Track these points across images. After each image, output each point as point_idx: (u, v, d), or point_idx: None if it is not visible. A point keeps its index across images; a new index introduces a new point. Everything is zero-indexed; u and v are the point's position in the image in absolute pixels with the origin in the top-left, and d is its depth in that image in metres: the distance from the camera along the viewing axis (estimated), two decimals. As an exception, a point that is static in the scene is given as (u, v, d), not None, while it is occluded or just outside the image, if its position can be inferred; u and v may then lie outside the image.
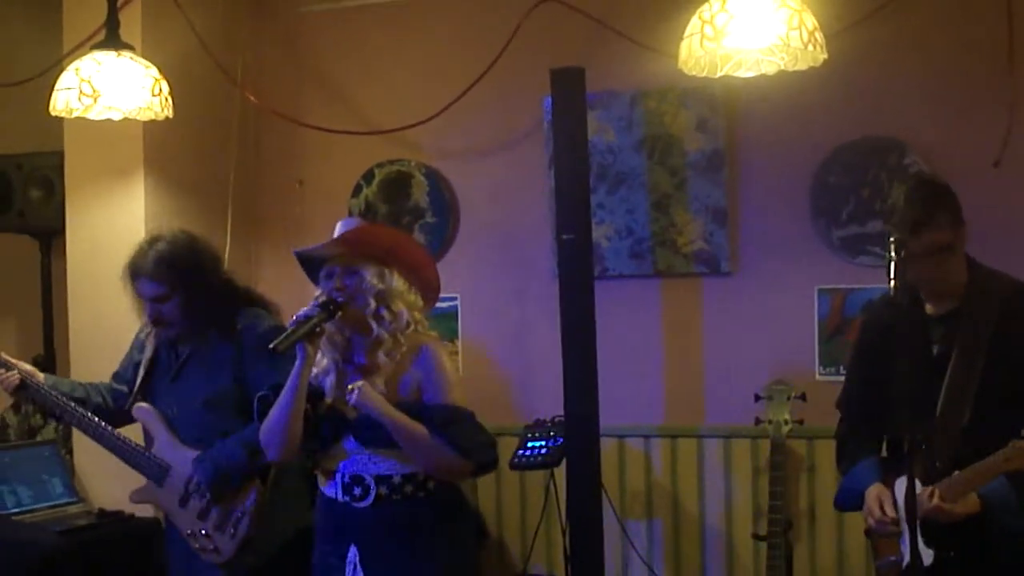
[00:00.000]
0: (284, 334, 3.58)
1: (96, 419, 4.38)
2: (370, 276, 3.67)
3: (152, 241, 4.32)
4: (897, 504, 3.65)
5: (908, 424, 3.25)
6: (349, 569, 3.70)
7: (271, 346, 3.56)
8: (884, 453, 3.93)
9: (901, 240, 3.22)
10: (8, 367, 4.37)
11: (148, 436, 4.40)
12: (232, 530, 4.21)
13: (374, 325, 3.66)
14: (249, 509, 4.21)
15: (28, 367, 4.44)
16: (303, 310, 3.64)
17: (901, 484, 3.67)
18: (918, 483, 3.51)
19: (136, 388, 4.46)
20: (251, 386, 4.12)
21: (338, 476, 3.71)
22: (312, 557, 3.87)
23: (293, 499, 4.29)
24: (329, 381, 3.74)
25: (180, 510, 4.30)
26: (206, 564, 4.28)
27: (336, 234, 3.75)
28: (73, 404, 4.37)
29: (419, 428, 3.60)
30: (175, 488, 4.30)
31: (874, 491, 3.73)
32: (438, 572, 3.72)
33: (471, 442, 3.67)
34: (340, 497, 3.71)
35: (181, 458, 4.29)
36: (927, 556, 3.44)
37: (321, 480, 3.81)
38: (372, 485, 3.66)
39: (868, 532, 3.90)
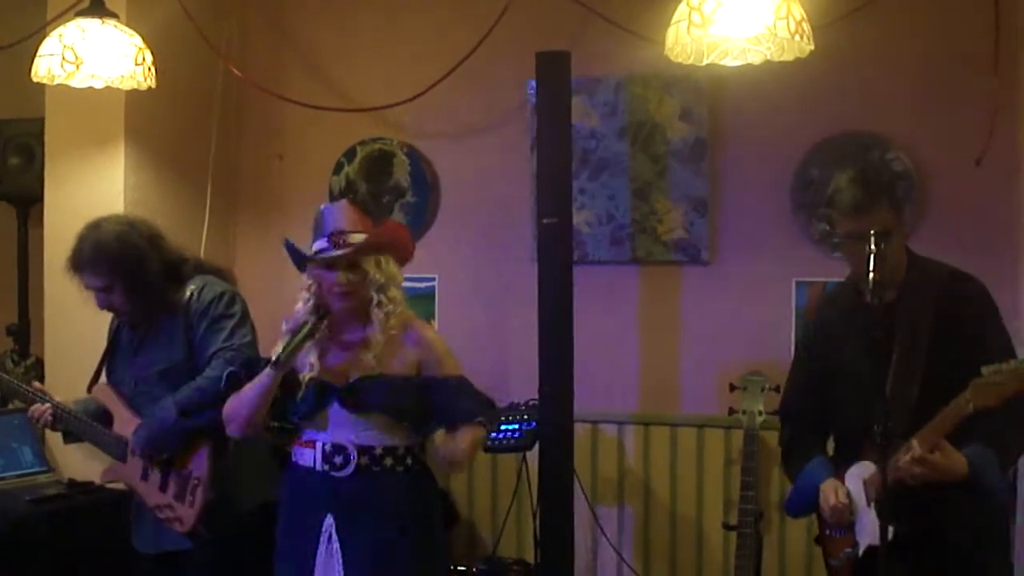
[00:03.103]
0: (283, 345, 3.68)
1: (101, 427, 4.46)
2: (373, 270, 3.73)
3: (88, 233, 4.31)
4: (850, 493, 3.67)
5: (859, 405, 3.27)
6: (323, 538, 3.71)
7: (272, 359, 3.67)
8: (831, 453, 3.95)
9: (881, 232, 3.23)
10: (43, 400, 4.47)
11: (109, 415, 4.43)
12: (190, 498, 4.22)
13: (375, 313, 3.74)
14: (204, 477, 4.22)
15: (57, 399, 4.51)
16: (294, 318, 3.75)
17: (851, 476, 3.71)
18: (874, 465, 3.57)
19: (97, 369, 4.52)
20: (196, 350, 4.27)
21: (318, 445, 3.74)
22: (276, 529, 3.88)
23: (257, 472, 4.34)
24: (312, 355, 3.76)
25: (143, 484, 4.32)
26: (175, 536, 4.28)
27: (329, 222, 3.75)
28: (95, 424, 4.45)
29: (478, 435, 3.77)
30: (137, 463, 4.33)
31: (830, 483, 3.74)
32: (412, 547, 3.75)
33: (485, 412, 3.82)
34: (319, 466, 3.72)
35: None
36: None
37: (296, 450, 3.82)
38: (353, 454, 3.69)
39: (818, 539, 3.92)
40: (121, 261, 4.24)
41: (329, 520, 3.71)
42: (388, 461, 3.72)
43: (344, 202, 3.90)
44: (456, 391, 3.75)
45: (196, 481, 4.22)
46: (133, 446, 4.29)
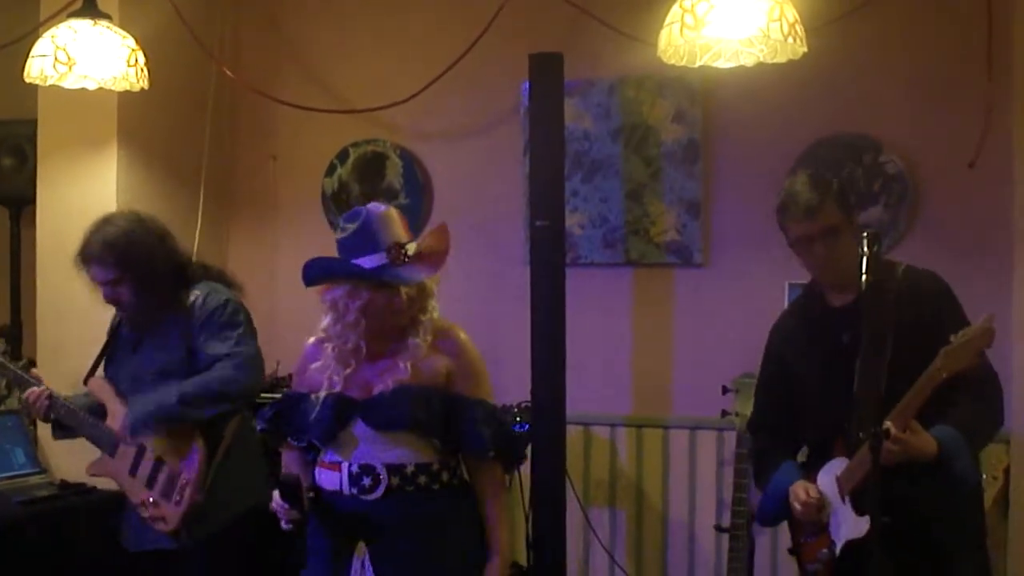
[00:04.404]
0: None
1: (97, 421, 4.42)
2: (428, 281, 3.56)
3: (99, 226, 4.29)
4: (822, 492, 3.66)
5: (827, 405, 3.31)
6: (356, 566, 3.53)
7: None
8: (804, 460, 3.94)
9: (874, 234, 3.23)
10: (39, 385, 4.44)
11: (102, 408, 4.40)
12: (178, 497, 4.18)
13: (422, 320, 3.55)
14: (194, 479, 4.17)
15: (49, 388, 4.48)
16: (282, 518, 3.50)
17: (823, 474, 3.69)
18: (846, 460, 3.58)
19: (96, 362, 4.50)
20: (198, 357, 4.23)
21: (344, 467, 3.49)
22: (307, 554, 3.59)
23: (248, 474, 4.31)
24: (336, 372, 3.54)
25: (130, 479, 4.29)
26: (157, 535, 4.26)
27: (383, 234, 3.50)
28: (88, 416, 4.41)
29: (503, 514, 3.61)
30: (127, 457, 4.30)
31: (798, 484, 3.73)
32: (453, 573, 3.54)
33: (512, 451, 3.65)
34: (347, 490, 3.48)
35: None
36: (862, 525, 3.44)
37: (319, 472, 3.60)
38: (384, 475, 3.45)
39: (792, 549, 3.91)
40: (130, 254, 4.21)
41: (362, 548, 3.51)
42: (422, 480, 3.48)
43: (390, 208, 3.62)
44: (480, 419, 3.51)
45: (185, 481, 4.18)
46: (125, 421, 4.24)
